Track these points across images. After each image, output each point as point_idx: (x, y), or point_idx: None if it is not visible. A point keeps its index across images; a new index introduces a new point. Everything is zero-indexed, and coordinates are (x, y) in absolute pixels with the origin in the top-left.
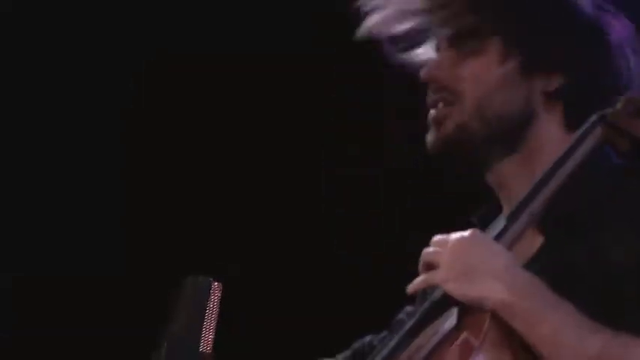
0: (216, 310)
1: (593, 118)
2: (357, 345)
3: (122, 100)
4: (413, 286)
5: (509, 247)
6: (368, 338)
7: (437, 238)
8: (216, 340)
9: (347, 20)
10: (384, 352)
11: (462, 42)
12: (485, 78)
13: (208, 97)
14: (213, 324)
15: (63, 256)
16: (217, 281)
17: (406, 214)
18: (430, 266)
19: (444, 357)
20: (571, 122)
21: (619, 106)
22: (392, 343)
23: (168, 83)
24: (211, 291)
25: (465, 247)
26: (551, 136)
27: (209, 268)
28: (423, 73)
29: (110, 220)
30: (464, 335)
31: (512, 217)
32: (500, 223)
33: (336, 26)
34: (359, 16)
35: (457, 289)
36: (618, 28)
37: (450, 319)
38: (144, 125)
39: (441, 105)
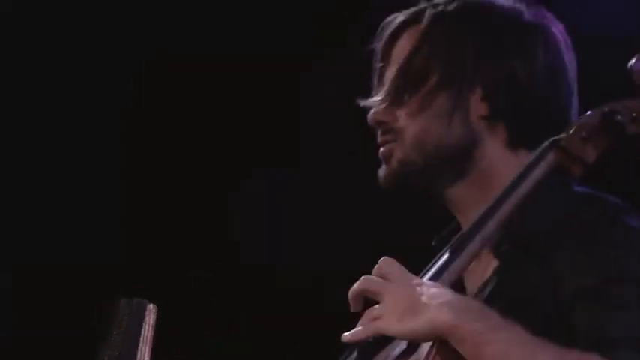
0: (151, 332)
1: (546, 143)
2: None
3: (121, 100)
4: (352, 337)
5: (460, 271)
6: None
7: (367, 283)
8: None
9: None
10: None
11: (398, 82)
12: (421, 113)
13: (206, 97)
14: (149, 346)
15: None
16: (152, 303)
17: None
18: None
19: None
20: (516, 141)
21: (571, 131)
22: None
23: (167, 83)
24: (146, 313)
25: (402, 289)
26: (499, 157)
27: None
28: (369, 118)
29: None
30: (412, 359)
31: (466, 241)
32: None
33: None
34: None
35: (402, 328)
36: (553, 36)
37: (401, 345)
38: (141, 124)
39: (386, 145)
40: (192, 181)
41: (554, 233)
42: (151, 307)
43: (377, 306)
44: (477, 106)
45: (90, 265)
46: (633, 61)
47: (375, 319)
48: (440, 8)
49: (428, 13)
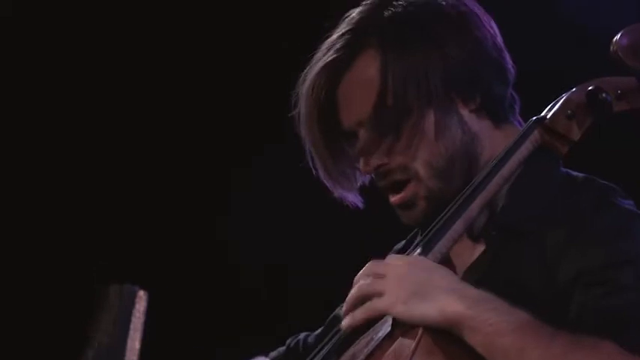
0: (141, 318)
1: (531, 122)
2: (291, 342)
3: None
4: (351, 322)
5: (445, 252)
6: (302, 335)
7: (371, 266)
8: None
9: None
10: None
11: (380, 119)
12: (420, 140)
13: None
14: (139, 333)
15: None
16: (143, 289)
17: None
18: (368, 297)
19: None
20: (498, 120)
21: (555, 108)
22: (325, 352)
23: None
24: (136, 299)
25: (410, 269)
26: (493, 142)
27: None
28: (363, 167)
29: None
30: (397, 343)
31: (449, 221)
32: (436, 228)
33: None
34: None
35: (408, 310)
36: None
37: (385, 327)
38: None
39: (404, 190)
40: (182, 168)
41: (543, 217)
42: (142, 294)
43: (372, 282)
44: (465, 103)
45: (80, 253)
46: (618, 37)
47: (374, 296)
48: (379, 29)
49: (373, 41)
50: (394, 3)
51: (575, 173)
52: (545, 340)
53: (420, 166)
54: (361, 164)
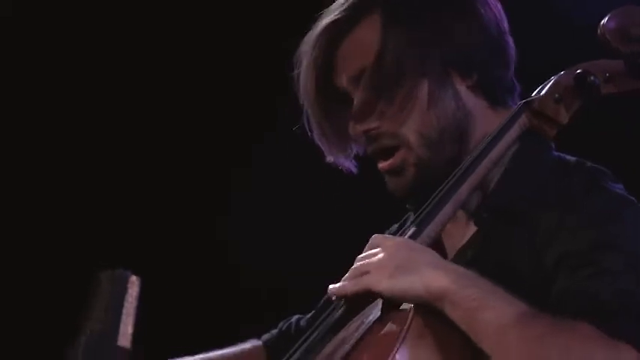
0: (134, 303)
1: (520, 104)
2: (283, 325)
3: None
4: (337, 290)
5: (435, 235)
6: (294, 318)
7: (374, 241)
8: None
9: None
10: (309, 344)
11: (375, 82)
12: (412, 108)
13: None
14: (132, 318)
15: None
16: (135, 274)
17: None
18: (358, 275)
19: (367, 349)
20: (494, 101)
21: (544, 92)
22: (316, 336)
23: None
24: (129, 285)
25: (394, 247)
26: (487, 121)
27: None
28: (353, 129)
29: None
30: (387, 327)
31: (439, 203)
32: (427, 210)
33: None
34: None
35: (393, 285)
36: (497, 12)
37: (375, 311)
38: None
39: (393, 156)
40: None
41: (534, 200)
42: (134, 279)
43: (366, 260)
44: (464, 80)
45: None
46: (605, 20)
47: (364, 273)
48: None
49: (378, 8)
50: None
51: (566, 156)
52: (525, 320)
53: (410, 134)
54: (352, 127)
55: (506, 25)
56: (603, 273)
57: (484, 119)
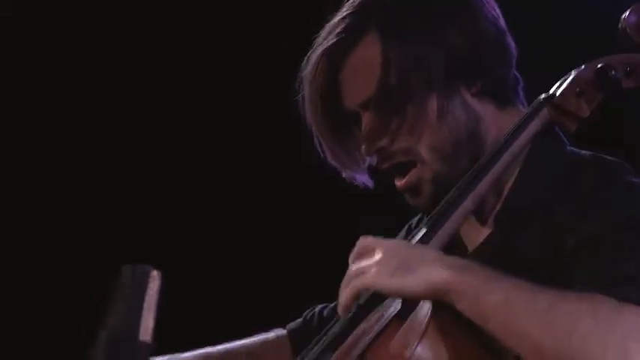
0: (155, 298)
1: (540, 99)
2: (308, 314)
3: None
4: (341, 309)
5: (453, 231)
6: (319, 308)
7: (359, 247)
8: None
9: None
10: (329, 337)
11: (382, 102)
12: (424, 124)
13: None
14: (153, 312)
15: None
16: (156, 269)
17: None
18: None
19: (387, 343)
20: (503, 103)
21: (564, 86)
22: (337, 327)
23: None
24: (150, 279)
25: (393, 247)
26: (498, 125)
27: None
28: (366, 150)
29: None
30: (408, 321)
31: (458, 200)
32: (443, 207)
33: None
34: None
35: (393, 284)
36: (493, 12)
37: (395, 304)
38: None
39: (408, 174)
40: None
41: (552, 196)
42: (155, 274)
43: (363, 263)
44: (469, 87)
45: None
46: (627, 14)
47: (360, 274)
48: (381, 13)
49: (374, 25)
50: None
51: (581, 151)
52: (531, 295)
53: (423, 150)
54: (364, 148)
55: (503, 23)
56: (625, 250)
57: (495, 123)
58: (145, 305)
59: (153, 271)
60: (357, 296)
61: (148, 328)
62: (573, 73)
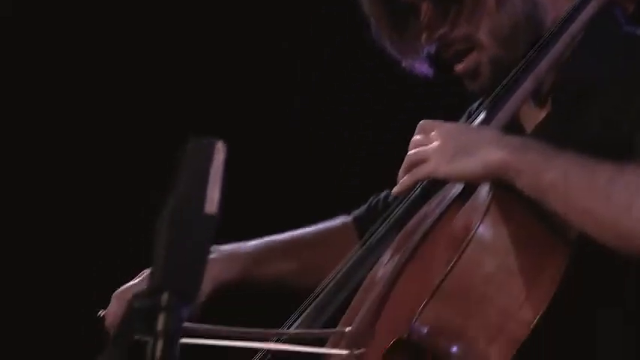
0: (220, 170)
1: None
2: (373, 200)
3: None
4: (399, 188)
5: (514, 110)
6: (384, 194)
7: (422, 125)
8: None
9: None
10: (393, 219)
11: None
12: (481, 9)
13: None
14: (218, 184)
15: None
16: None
17: None
18: (415, 164)
19: (449, 224)
20: None
21: None
22: (400, 211)
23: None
24: (215, 151)
25: (451, 131)
26: (555, 5)
27: None
28: (426, 39)
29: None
30: (469, 202)
31: (519, 80)
32: (504, 89)
33: None
34: None
35: (452, 170)
36: None
37: (457, 186)
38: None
39: (466, 59)
40: None
41: (609, 74)
42: (220, 145)
43: (420, 148)
44: None
45: None
46: None
47: (421, 163)
48: None
49: None
50: None
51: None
52: (590, 169)
53: (483, 36)
54: (424, 36)
55: None
56: None
57: (553, 5)
58: (210, 178)
59: (218, 142)
60: (417, 183)
61: (213, 200)
62: None
